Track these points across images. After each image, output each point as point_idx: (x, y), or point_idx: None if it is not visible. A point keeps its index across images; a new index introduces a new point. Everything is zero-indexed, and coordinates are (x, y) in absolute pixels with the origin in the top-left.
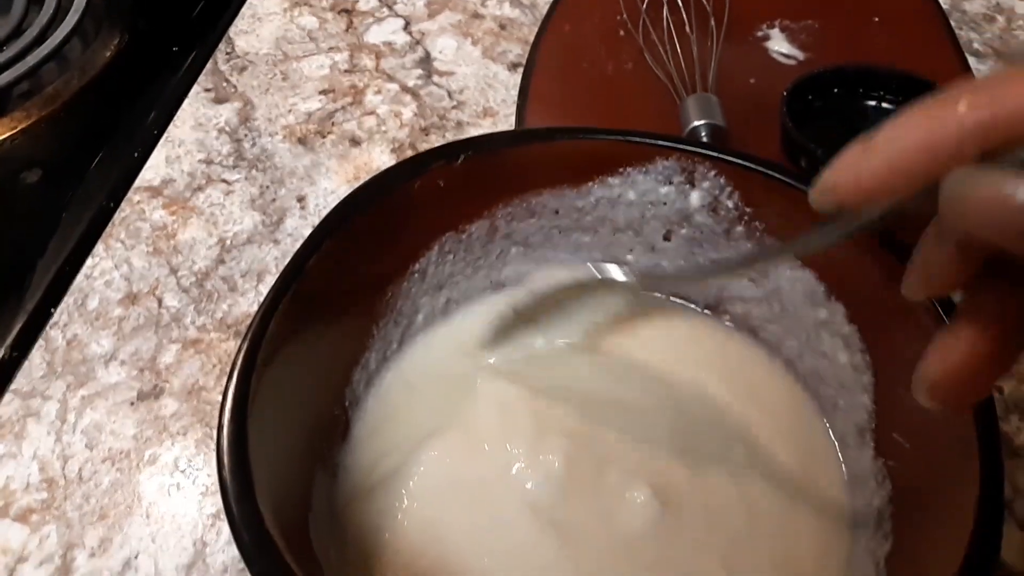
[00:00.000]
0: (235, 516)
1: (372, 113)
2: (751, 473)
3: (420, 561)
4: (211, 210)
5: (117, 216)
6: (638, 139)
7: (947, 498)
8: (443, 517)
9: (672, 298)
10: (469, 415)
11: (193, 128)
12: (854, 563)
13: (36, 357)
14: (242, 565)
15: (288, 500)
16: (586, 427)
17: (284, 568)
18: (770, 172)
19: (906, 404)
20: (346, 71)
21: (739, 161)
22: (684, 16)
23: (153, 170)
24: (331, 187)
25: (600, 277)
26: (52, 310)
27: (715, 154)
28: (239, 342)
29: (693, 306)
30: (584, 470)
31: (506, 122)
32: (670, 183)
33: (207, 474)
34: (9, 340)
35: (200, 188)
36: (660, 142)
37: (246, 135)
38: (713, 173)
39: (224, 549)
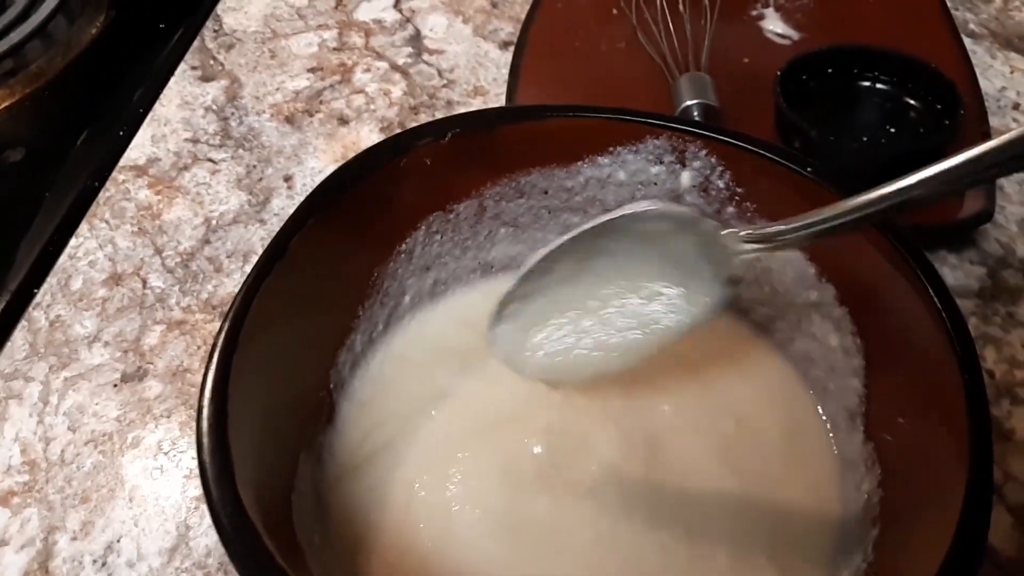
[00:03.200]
0: (213, 498)
1: (361, 92)
2: (741, 448)
3: (409, 543)
4: (197, 189)
5: (102, 196)
6: (628, 117)
7: (937, 483)
8: (440, 487)
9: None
10: (470, 385)
11: (179, 106)
12: (842, 547)
13: (18, 338)
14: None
15: (271, 483)
16: (572, 407)
17: (263, 551)
18: (762, 152)
19: (897, 388)
20: (335, 49)
21: (730, 140)
22: None
23: (138, 149)
24: (319, 166)
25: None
26: (35, 290)
27: (706, 133)
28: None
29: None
30: (570, 447)
31: (497, 101)
32: (660, 163)
33: (191, 457)
34: None
35: (186, 167)
36: (650, 120)
37: (233, 113)
38: (704, 152)
39: (207, 532)
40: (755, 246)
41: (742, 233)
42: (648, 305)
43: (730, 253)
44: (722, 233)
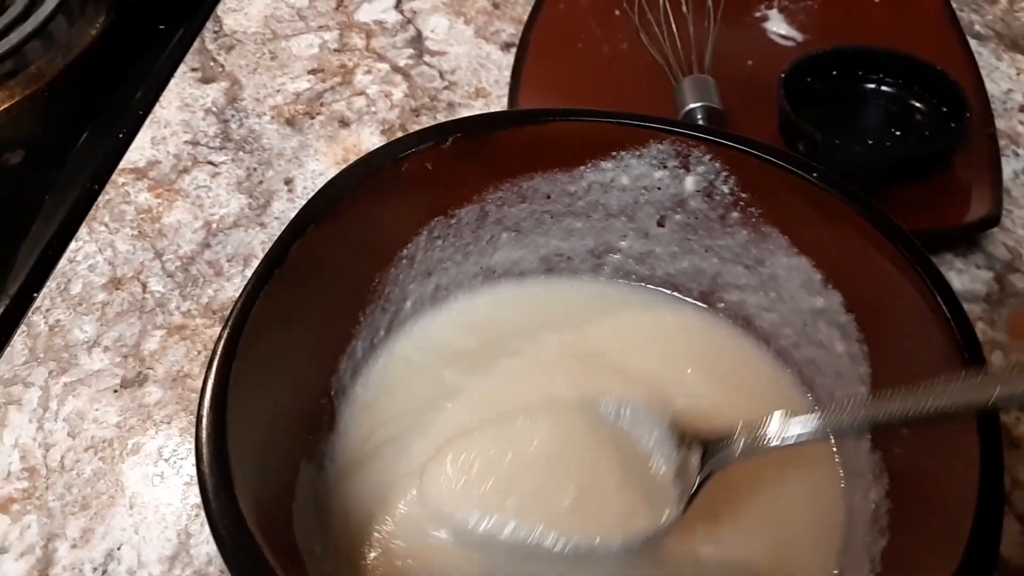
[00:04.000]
0: (213, 510)
1: (362, 93)
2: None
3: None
4: (197, 193)
5: (101, 199)
6: (632, 122)
7: (946, 492)
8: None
9: (661, 288)
10: (480, 385)
11: (179, 108)
12: (848, 558)
13: (18, 343)
14: None
15: (271, 493)
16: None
17: (263, 563)
18: (767, 156)
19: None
20: (336, 50)
21: (735, 145)
22: None
23: (138, 151)
24: (319, 169)
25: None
26: (34, 295)
27: (710, 137)
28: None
29: (685, 296)
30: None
31: (499, 103)
32: (664, 167)
33: (192, 463)
34: None
35: (186, 170)
36: (654, 125)
37: (233, 116)
38: (708, 157)
39: (208, 540)
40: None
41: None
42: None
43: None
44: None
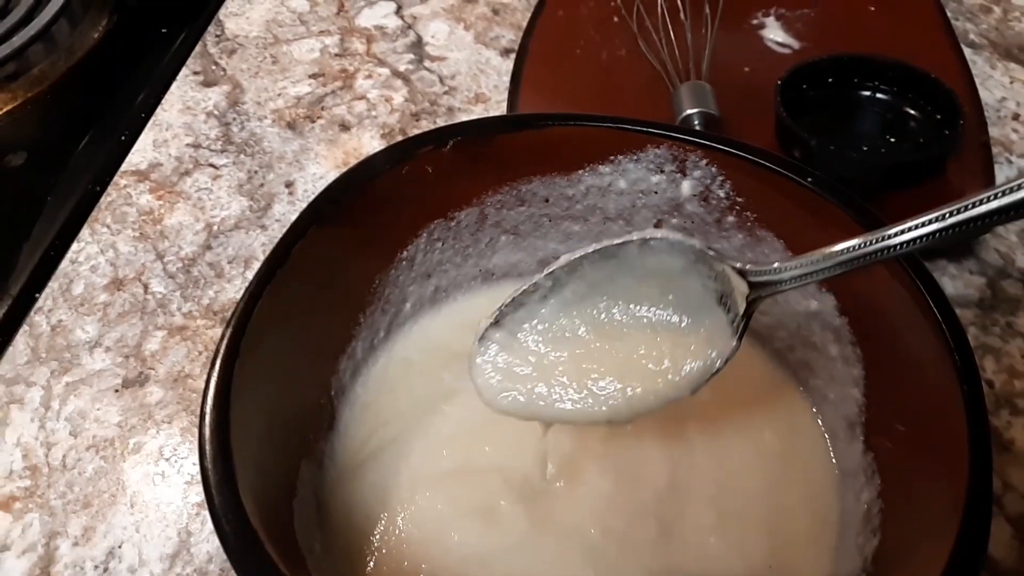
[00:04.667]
0: (216, 505)
1: (362, 98)
2: (739, 458)
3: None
4: (198, 195)
5: (103, 200)
6: (629, 127)
7: (936, 494)
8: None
9: None
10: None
11: (181, 111)
12: (840, 557)
13: (20, 343)
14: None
15: (272, 490)
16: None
17: (265, 558)
18: (762, 162)
19: (896, 398)
20: (336, 55)
21: (731, 150)
22: (679, 3)
23: (140, 154)
24: (320, 172)
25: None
26: (36, 295)
27: (707, 142)
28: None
29: None
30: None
31: (498, 108)
32: (661, 172)
33: (192, 463)
34: None
35: (187, 172)
36: (651, 130)
37: (234, 119)
38: (705, 162)
39: (209, 539)
40: (764, 289)
41: (752, 269)
42: (647, 354)
43: (739, 293)
44: (734, 272)
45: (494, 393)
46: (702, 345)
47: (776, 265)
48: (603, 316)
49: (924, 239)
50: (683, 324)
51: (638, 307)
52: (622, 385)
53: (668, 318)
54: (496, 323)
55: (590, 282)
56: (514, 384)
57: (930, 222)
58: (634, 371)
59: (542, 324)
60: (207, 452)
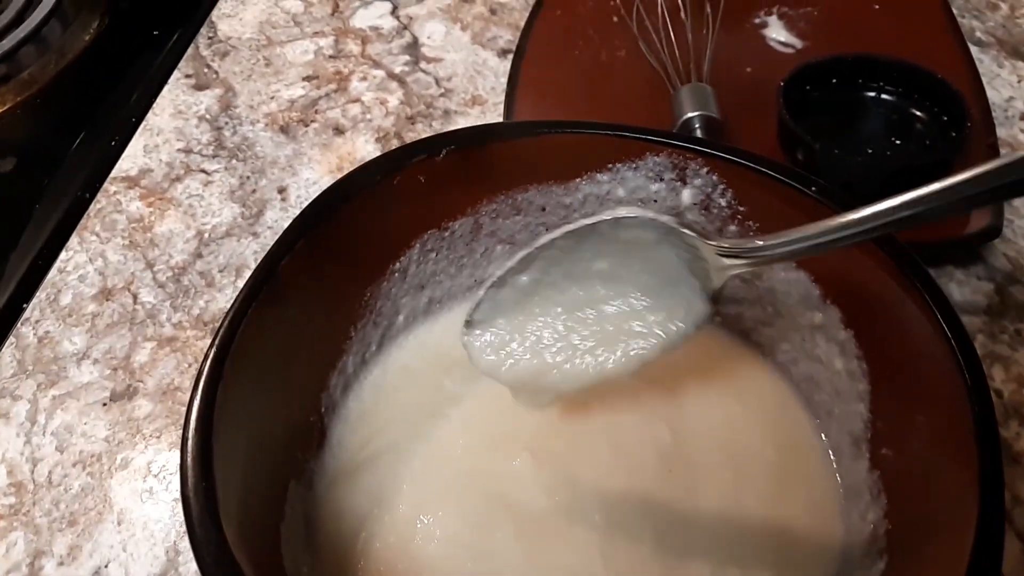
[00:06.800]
0: (197, 537)
1: (357, 101)
2: (740, 472)
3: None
4: (189, 201)
5: (92, 208)
6: (628, 134)
7: (945, 512)
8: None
9: None
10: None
11: (172, 116)
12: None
13: (6, 355)
14: None
15: (259, 514)
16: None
17: None
18: (764, 170)
19: (903, 413)
20: (331, 57)
21: (732, 158)
22: (680, 2)
23: (130, 159)
24: (313, 178)
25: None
26: (24, 305)
27: (708, 150)
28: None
29: None
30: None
31: (495, 110)
32: (661, 180)
33: None
34: None
35: (178, 178)
36: (650, 137)
37: (227, 123)
38: (705, 170)
39: None
40: (737, 261)
41: (725, 245)
42: (629, 317)
43: (712, 267)
44: (705, 244)
45: (494, 366)
46: (679, 309)
47: (758, 243)
48: (584, 291)
49: (888, 215)
50: (661, 290)
51: (618, 278)
52: (613, 346)
53: (647, 285)
54: (480, 306)
55: (572, 258)
56: (509, 356)
57: (904, 204)
58: (620, 334)
59: (527, 300)
60: (189, 482)
